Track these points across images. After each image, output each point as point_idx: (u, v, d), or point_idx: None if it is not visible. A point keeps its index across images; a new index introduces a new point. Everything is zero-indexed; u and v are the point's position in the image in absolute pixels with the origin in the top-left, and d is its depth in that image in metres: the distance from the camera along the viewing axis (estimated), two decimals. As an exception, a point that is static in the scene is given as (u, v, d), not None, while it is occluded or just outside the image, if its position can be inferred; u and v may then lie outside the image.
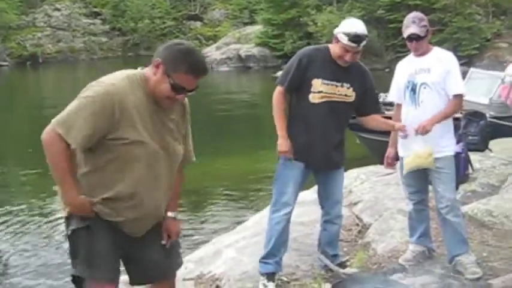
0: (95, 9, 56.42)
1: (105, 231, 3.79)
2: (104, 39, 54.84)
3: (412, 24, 5.65)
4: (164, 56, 3.72)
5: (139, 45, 55.05)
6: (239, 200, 12.54)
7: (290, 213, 5.72)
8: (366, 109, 5.78)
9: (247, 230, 7.07)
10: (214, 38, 52.56)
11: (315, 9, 40.89)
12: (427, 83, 5.61)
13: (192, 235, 9.71)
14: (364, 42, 5.49)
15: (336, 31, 5.55)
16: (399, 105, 5.95)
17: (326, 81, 5.53)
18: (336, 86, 5.55)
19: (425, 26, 5.64)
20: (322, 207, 5.97)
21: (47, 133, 3.63)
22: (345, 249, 6.55)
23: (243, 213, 11.15)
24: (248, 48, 42.41)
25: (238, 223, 8.80)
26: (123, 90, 3.65)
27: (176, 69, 3.69)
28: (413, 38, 5.64)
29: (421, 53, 5.73)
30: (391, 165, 6.12)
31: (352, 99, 5.62)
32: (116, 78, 3.70)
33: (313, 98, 5.53)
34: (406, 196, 6.02)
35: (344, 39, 5.42)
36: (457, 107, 5.85)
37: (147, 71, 3.80)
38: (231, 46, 46.00)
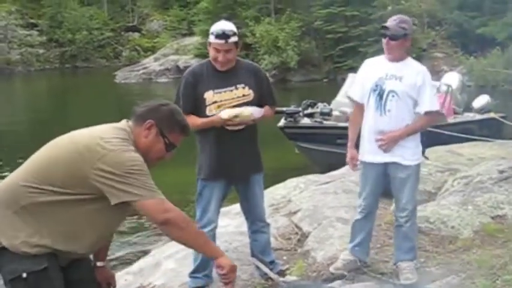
0: (32, 21, 55.59)
1: (58, 268, 3.73)
2: (41, 51, 54.07)
3: (391, 21, 5.59)
4: (155, 117, 3.79)
5: (76, 56, 54.46)
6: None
7: (214, 229, 5.77)
8: (263, 102, 5.73)
9: (186, 240, 7.02)
10: (153, 49, 52.32)
11: (254, 20, 41.01)
12: (397, 91, 5.51)
13: (131, 246, 9.61)
14: (232, 39, 5.46)
15: None
16: (360, 105, 5.81)
17: (218, 90, 5.52)
18: (231, 90, 5.54)
19: (404, 28, 5.53)
20: (247, 218, 6.03)
21: (166, 211, 3.61)
22: (285, 257, 6.55)
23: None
24: (186, 60, 42.22)
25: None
26: None
27: (172, 130, 3.82)
28: (387, 34, 5.54)
29: (394, 59, 5.62)
30: (356, 166, 5.93)
31: (251, 97, 5.60)
32: (129, 144, 3.68)
33: (210, 110, 5.52)
34: (358, 205, 5.99)
35: (212, 39, 5.47)
36: (429, 122, 5.83)
37: (134, 130, 3.80)
38: (169, 57, 45.85)
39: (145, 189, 3.55)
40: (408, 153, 5.62)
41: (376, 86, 5.59)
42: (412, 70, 5.61)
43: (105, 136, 3.63)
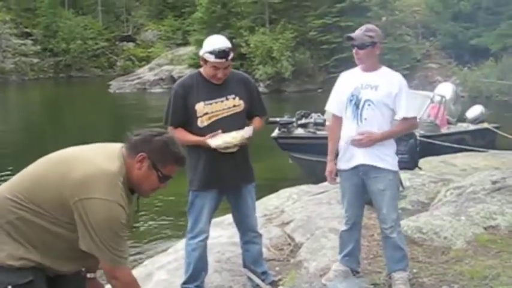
0: (26, 30, 55.57)
1: (44, 280, 3.70)
2: (35, 60, 54.04)
3: (358, 30, 5.63)
4: (148, 149, 3.68)
5: (71, 66, 54.44)
6: (171, 222, 12.45)
7: (206, 239, 5.78)
8: (253, 112, 5.79)
9: (178, 251, 7.01)
10: (147, 59, 52.31)
11: (248, 30, 41.07)
12: (372, 100, 5.53)
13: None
14: (231, 55, 5.50)
15: (201, 53, 5.57)
16: (338, 118, 5.82)
17: (208, 102, 5.54)
18: (222, 101, 5.56)
19: (371, 36, 5.57)
20: (239, 229, 6.03)
21: (114, 278, 3.65)
22: (277, 268, 6.54)
23: (175, 234, 11.07)
24: (181, 70, 42.20)
25: (171, 245, 8.73)
26: (125, 205, 3.61)
27: (165, 163, 3.71)
28: (354, 44, 5.58)
29: (368, 69, 5.65)
30: (334, 180, 5.94)
31: (241, 107, 5.64)
32: (116, 192, 3.57)
33: (201, 122, 5.54)
34: (343, 216, 5.99)
35: (211, 58, 5.44)
36: (407, 128, 5.92)
37: (127, 160, 3.70)
38: (163, 67, 45.85)
39: (108, 252, 3.54)
40: (387, 158, 5.62)
41: (352, 96, 5.62)
42: (387, 79, 5.63)
43: (96, 178, 3.54)
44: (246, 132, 5.54)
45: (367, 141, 5.53)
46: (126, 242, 3.67)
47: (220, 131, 5.50)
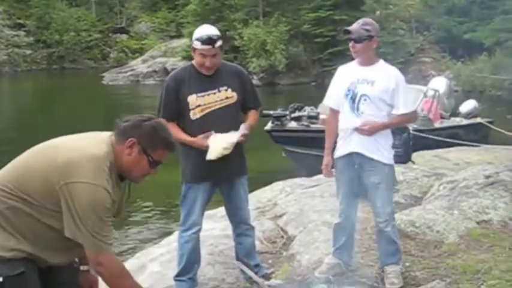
0: (19, 21, 55.32)
1: (35, 271, 3.69)
2: (28, 52, 53.80)
3: (355, 24, 5.61)
4: (138, 134, 3.67)
5: (64, 57, 54.23)
6: (164, 213, 12.44)
7: (199, 231, 5.78)
8: (247, 104, 5.79)
9: (171, 243, 7.00)
10: (141, 51, 52.16)
11: (242, 23, 40.98)
12: (368, 95, 5.54)
13: (115, 249, 9.56)
14: (219, 43, 5.49)
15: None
16: (335, 111, 5.83)
17: (200, 94, 5.53)
18: (214, 93, 5.55)
19: (367, 30, 5.55)
20: (232, 222, 6.03)
21: (99, 264, 3.64)
22: (270, 261, 6.54)
23: (168, 226, 11.06)
24: (174, 62, 42.08)
25: (163, 237, 8.72)
26: (110, 190, 3.59)
27: (155, 148, 3.71)
28: (351, 38, 5.56)
29: (365, 63, 5.65)
30: (330, 173, 5.95)
31: (234, 99, 5.63)
32: (102, 176, 3.55)
33: (194, 114, 5.54)
34: (337, 208, 5.99)
35: (198, 45, 5.46)
36: (406, 120, 6.00)
37: (116, 147, 3.69)
38: (157, 59, 45.74)
39: (91, 237, 3.53)
40: (383, 152, 5.63)
41: (349, 90, 5.63)
42: (384, 74, 5.63)
43: (81, 162, 3.54)
44: (237, 135, 5.53)
45: (369, 132, 5.54)
46: (110, 227, 3.66)
47: (213, 132, 5.49)
